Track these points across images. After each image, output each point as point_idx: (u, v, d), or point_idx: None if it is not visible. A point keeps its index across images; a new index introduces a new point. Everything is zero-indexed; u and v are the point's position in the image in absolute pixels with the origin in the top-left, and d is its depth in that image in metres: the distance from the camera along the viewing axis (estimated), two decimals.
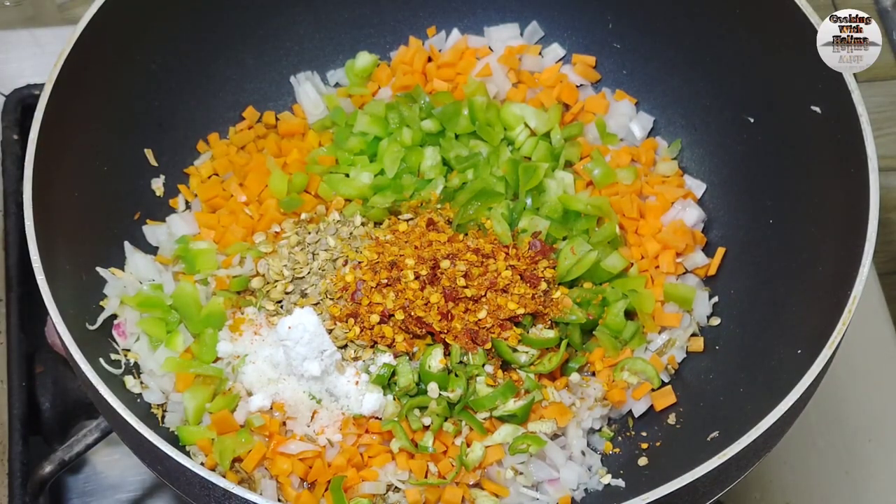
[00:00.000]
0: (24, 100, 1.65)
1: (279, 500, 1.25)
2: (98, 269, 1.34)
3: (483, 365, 1.31)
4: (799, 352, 1.20)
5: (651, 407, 1.36)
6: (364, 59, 1.57)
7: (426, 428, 1.28)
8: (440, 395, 1.29)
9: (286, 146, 1.51)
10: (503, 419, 1.30)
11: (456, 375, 1.30)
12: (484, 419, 1.30)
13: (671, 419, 1.35)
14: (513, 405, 1.29)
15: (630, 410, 1.36)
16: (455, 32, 1.58)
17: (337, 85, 1.58)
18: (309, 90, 1.55)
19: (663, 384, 1.36)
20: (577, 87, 1.54)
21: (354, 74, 1.56)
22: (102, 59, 1.37)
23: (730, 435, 1.12)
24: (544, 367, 1.32)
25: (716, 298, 1.41)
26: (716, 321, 1.40)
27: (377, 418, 1.30)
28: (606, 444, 1.34)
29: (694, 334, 1.40)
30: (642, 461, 1.33)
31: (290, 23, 1.54)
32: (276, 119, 1.54)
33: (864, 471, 1.54)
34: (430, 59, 1.56)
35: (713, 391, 1.35)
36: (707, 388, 1.36)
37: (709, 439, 1.26)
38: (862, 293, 1.15)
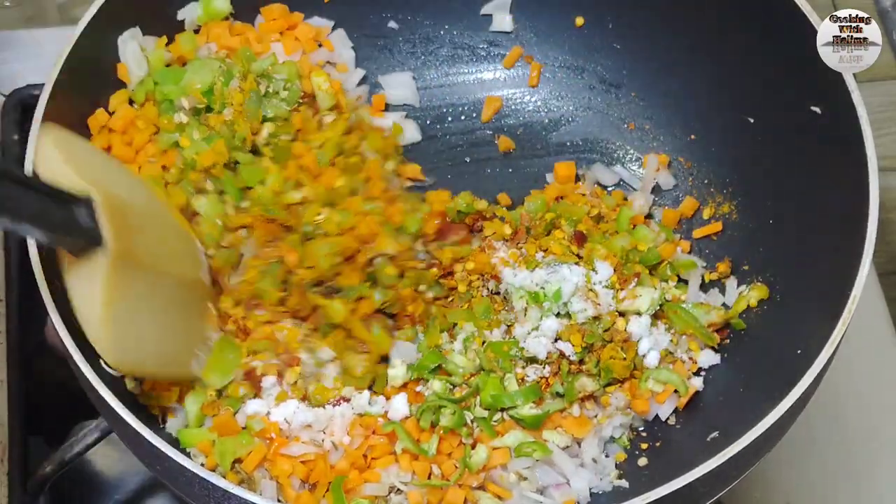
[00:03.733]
0: (24, 100, 1.65)
1: (279, 501, 1.25)
2: None
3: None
4: (799, 352, 1.20)
5: None
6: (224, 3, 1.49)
7: (432, 427, 1.28)
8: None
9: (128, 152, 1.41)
10: (516, 420, 1.30)
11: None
12: (496, 422, 1.30)
13: (671, 419, 1.35)
14: (528, 411, 1.29)
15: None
16: None
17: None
18: (134, 48, 1.43)
19: None
20: None
21: (206, 12, 1.48)
22: (102, 59, 1.37)
23: (730, 435, 1.12)
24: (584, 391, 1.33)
25: (744, 287, 1.40)
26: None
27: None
28: (618, 454, 1.33)
29: None
30: (642, 461, 1.33)
31: None
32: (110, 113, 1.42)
33: (864, 471, 1.54)
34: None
35: (713, 391, 1.35)
36: (707, 388, 1.35)
37: (709, 439, 1.26)
38: (862, 293, 1.15)
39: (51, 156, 1.10)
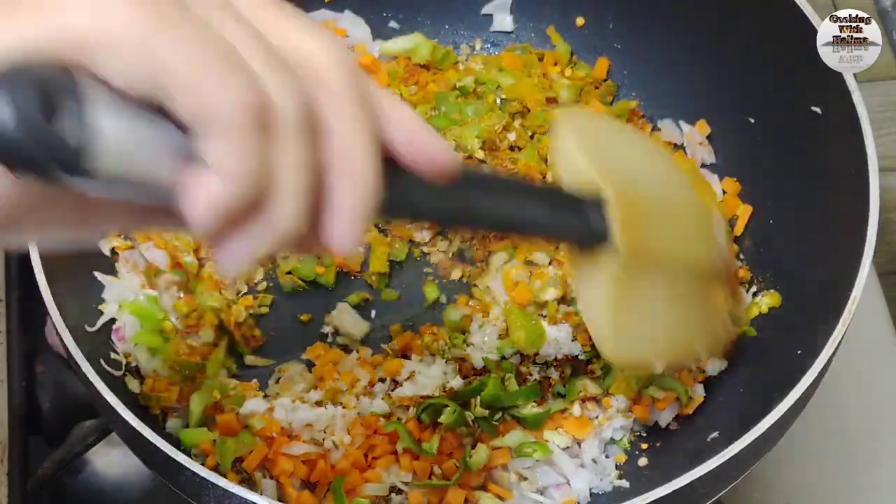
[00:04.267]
0: None
1: (279, 501, 1.25)
2: (96, 273, 1.34)
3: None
4: (799, 352, 1.20)
5: None
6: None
7: (434, 426, 1.28)
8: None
9: None
10: (517, 419, 1.30)
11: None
12: (497, 421, 1.30)
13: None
14: (529, 410, 1.29)
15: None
16: None
17: None
18: None
19: None
20: None
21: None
22: None
23: (729, 435, 1.12)
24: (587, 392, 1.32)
25: (755, 292, 1.39)
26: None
27: (388, 416, 1.29)
28: (619, 455, 1.33)
29: None
30: (642, 461, 1.33)
31: None
32: None
33: (864, 471, 1.54)
34: None
35: (713, 391, 1.35)
36: (707, 388, 1.35)
37: (709, 440, 1.26)
38: (862, 293, 1.15)
39: (569, 145, 1.01)
